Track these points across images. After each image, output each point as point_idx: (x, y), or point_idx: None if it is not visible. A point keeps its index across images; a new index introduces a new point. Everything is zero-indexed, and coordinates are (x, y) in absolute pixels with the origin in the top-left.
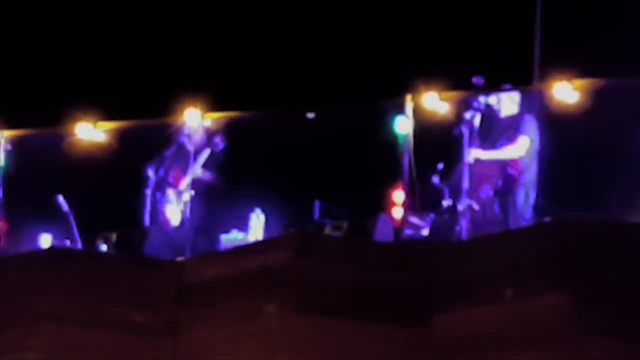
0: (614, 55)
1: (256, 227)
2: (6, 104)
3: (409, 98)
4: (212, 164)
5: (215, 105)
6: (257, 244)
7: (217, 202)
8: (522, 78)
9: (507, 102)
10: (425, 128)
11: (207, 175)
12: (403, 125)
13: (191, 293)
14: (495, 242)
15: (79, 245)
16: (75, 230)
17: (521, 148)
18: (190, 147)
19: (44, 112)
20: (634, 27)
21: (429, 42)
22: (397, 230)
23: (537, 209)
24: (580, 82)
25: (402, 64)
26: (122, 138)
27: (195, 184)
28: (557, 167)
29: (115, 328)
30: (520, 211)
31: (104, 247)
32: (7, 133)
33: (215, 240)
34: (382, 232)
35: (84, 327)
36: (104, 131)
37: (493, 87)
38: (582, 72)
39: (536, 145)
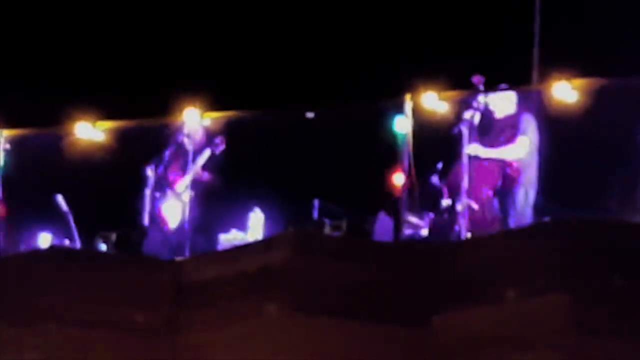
0: (613, 54)
1: (255, 226)
2: (5, 104)
3: (408, 98)
4: (212, 165)
5: (214, 104)
6: (256, 243)
7: (216, 202)
8: (521, 78)
9: (506, 102)
10: (424, 128)
11: (206, 176)
12: (402, 125)
13: (190, 293)
14: (494, 242)
15: (78, 245)
16: (74, 229)
17: (521, 149)
18: (190, 147)
19: (43, 112)
20: (634, 26)
21: (428, 42)
22: (396, 227)
23: (537, 208)
24: (579, 82)
25: (402, 64)
26: (121, 138)
27: (194, 184)
28: (556, 166)
29: (114, 328)
30: (519, 211)
31: (103, 247)
32: (6, 132)
33: (214, 240)
34: (382, 232)
35: (83, 327)
36: (103, 131)
37: (492, 86)
38: (582, 72)
39: (536, 145)
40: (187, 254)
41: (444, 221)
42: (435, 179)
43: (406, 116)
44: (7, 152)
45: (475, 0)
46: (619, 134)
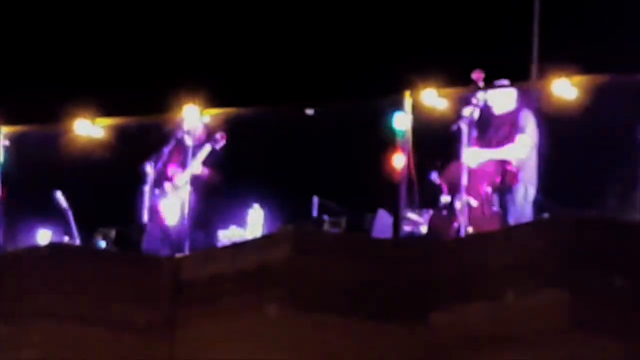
0: (613, 51)
1: (255, 223)
2: (4, 100)
3: (407, 95)
4: (212, 161)
5: (213, 101)
6: (255, 240)
7: (215, 198)
8: (521, 74)
9: (506, 98)
10: (423, 124)
11: (206, 172)
12: (402, 122)
13: (189, 290)
14: (493, 239)
15: (78, 242)
16: (73, 226)
17: (521, 149)
18: (189, 143)
19: (43, 109)
20: (634, 23)
21: (427, 39)
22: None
23: (536, 205)
24: (579, 79)
25: (401, 61)
26: (120, 134)
27: (194, 180)
28: (556, 164)
29: (113, 325)
30: (518, 208)
31: (102, 244)
32: (6, 129)
33: (213, 236)
34: (381, 229)
35: (82, 324)
36: (103, 127)
37: (492, 83)
38: (581, 69)
39: (535, 142)
40: (186, 250)
41: (443, 218)
42: (434, 176)
43: (405, 113)
44: (7, 149)
45: None
46: (619, 131)
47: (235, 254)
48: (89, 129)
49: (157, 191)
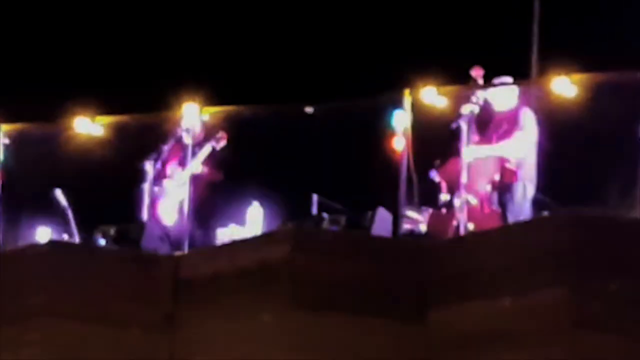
0: (613, 49)
1: (254, 221)
2: (4, 98)
3: (407, 93)
4: (212, 160)
5: (213, 99)
6: (254, 238)
7: (215, 196)
8: (521, 72)
9: (505, 96)
10: (423, 122)
11: (206, 171)
12: (401, 120)
13: (189, 288)
14: (492, 237)
15: (77, 240)
16: (73, 224)
17: (521, 148)
18: (189, 141)
19: (42, 106)
20: (634, 21)
21: (427, 37)
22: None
23: (536, 203)
24: (579, 76)
25: (400, 59)
26: (120, 132)
27: (193, 179)
28: (555, 161)
29: (112, 323)
30: (518, 206)
31: (102, 242)
32: (5, 127)
33: (212, 235)
34: (380, 227)
35: (81, 322)
36: (102, 125)
37: (491, 81)
38: (581, 66)
39: (535, 139)
40: (185, 248)
41: (442, 216)
42: (433, 174)
43: (405, 111)
44: (6, 147)
45: None
46: (619, 129)
47: (234, 252)
48: (88, 127)
49: (156, 189)
